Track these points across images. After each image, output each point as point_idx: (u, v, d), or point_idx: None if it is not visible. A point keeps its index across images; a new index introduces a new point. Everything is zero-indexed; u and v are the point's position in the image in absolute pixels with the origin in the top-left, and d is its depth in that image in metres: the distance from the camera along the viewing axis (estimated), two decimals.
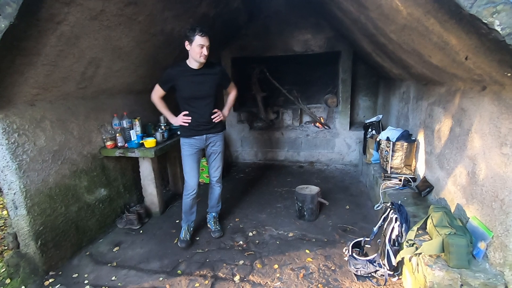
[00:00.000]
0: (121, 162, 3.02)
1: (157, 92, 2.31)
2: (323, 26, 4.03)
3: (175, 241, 2.59)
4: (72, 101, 2.44)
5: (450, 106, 2.05)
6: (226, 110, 2.55)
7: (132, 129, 2.89)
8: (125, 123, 2.88)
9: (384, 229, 1.97)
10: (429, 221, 1.76)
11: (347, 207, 3.07)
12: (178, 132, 2.58)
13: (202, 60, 2.16)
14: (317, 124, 4.69)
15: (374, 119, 3.57)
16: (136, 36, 2.42)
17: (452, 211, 1.92)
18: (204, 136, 2.39)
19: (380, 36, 2.37)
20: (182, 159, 2.42)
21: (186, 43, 2.13)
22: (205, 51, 2.12)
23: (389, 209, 1.99)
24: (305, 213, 2.79)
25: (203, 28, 2.10)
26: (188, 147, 2.37)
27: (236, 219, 2.94)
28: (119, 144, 2.76)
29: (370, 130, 3.52)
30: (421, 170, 2.58)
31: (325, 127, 4.57)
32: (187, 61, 2.23)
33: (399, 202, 2.03)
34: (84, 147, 2.58)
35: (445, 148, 2.10)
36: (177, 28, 2.83)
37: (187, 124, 2.32)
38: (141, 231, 2.81)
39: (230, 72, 4.51)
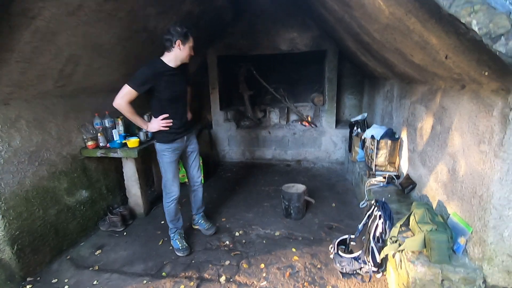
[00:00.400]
0: (104, 163, 2.94)
1: (128, 96, 1.99)
2: (309, 25, 4.04)
3: (160, 243, 2.54)
4: (50, 99, 2.35)
5: (431, 104, 2.08)
6: (189, 108, 2.50)
7: (115, 128, 2.81)
8: (107, 123, 2.80)
9: (368, 226, 2.00)
10: (411, 217, 1.79)
11: (333, 205, 3.10)
12: (155, 141, 2.25)
13: (188, 60, 2.14)
14: (304, 122, 4.70)
15: (359, 117, 3.61)
16: (118, 33, 2.35)
17: (434, 207, 1.96)
18: (185, 137, 2.33)
19: (364, 35, 2.39)
20: (161, 166, 2.26)
21: (179, 43, 2.01)
22: (192, 52, 2.11)
23: (373, 207, 2.02)
24: (291, 212, 2.80)
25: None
26: (170, 153, 2.22)
27: (223, 219, 2.91)
28: (100, 144, 2.68)
29: (355, 128, 3.56)
30: (404, 167, 2.62)
31: (312, 125, 4.60)
32: (165, 60, 2.07)
33: (383, 199, 2.06)
34: (63, 147, 2.49)
35: (427, 146, 2.15)
36: (161, 25, 2.77)
37: (167, 128, 2.18)
38: (124, 233, 2.74)
39: (216, 70, 4.47)
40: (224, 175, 4.15)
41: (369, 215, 2.05)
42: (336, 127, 4.41)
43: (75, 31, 1.97)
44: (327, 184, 3.68)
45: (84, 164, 2.71)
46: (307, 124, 4.66)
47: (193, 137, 2.46)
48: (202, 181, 3.82)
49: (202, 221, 2.68)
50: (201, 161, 3.78)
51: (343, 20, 2.53)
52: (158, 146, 2.23)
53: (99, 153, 2.64)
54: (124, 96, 2.00)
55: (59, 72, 2.18)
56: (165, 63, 2.07)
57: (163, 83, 2.05)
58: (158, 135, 2.21)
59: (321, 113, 4.50)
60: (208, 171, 4.08)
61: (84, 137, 2.66)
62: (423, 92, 2.26)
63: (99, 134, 2.67)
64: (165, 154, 2.22)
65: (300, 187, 2.89)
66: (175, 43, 2.02)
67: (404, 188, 2.40)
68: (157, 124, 2.15)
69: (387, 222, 1.87)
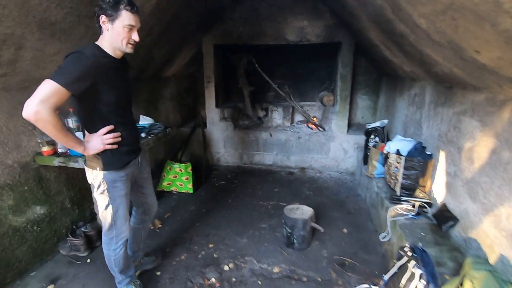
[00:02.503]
0: (68, 171, 2.41)
1: (55, 98, 1.24)
2: (322, 12, 3.45)
3: None
4: None
5: (493, 120, 1.53)
6: None
7: (79, 130, 2.27)
8: (70, 123, 2.25)
9: (400, 283, 1.47)
10: (467, 284, 1.26)
11: (345, 230, 2.57)
12: (93, 169, 1.55)
13: (129, 50, 1.46)
14: (310, 125, 4.15)
15: (378, 124, 3.06)
16: (76, 8, 1.79)
17: (492, 262, 1.43)
18: (138, 158, 1.71)
19: (399, 23, 1.82)
20: (109, 204, 1.59)
21: (103, 18, 1.38)
22: (136, 37, 1.44)
23: (407, 258, 1.49)
24: (294, 241, 2.28)
25: (135, 4, 1.43)
26: (123, 183, 1.59)
27: (210, 245, 2.39)
28: (59, 150, 2.14)
29: (372, 137, 3.01)
30: (439, 194, 2.09)
31: (320, 128, 4.05)
32: (102, 46, 1.43)
33: (421, 246, 1.53)
34: (8, 154, 1.95)
35: (481, 175, 1.60)
36: (138, 3, 2.19)
37: (116, 146, 1.53)
38: (88, 260, 2.23)
39: (213, 61, 3.89)
40: (217, 183, 3.63)
41: (400, 267, 1.52)
42: (347, 132, 3.85)
43: (4, 1, 1.42)
44: (336, 201, 3.15)
45: (39, 174, 2.18)
46: (313, 127, 4.11)
47: (144, 156, 1.84)
48: (191, 191, 3.33)
49: (146, 257, 2.14)
50: (190, 167, 3.26)
51: (370, 3, 1.96)
52: (106, 176, 1.54)
53: (56, 162, 2.10)
54: (47, 100, 1.22)
55: None
56: (104, 51, 1.43)
57: (106, 79, 1.41)
58: (104, 159, 1.52)
59: (331, 115, 3.94)
60: (199, 178, 3.56)
61: (39, 140, 2.12)
62: (476, 102, 1.71)
63: None
64: (117, 185, 1.57)
65: (306, 211, 2.36)
66: (101, 22, 1.41)
67: (441, 224, 1.87)
68: (100, 141, 1.47)
69: (430, 284, 1.35)
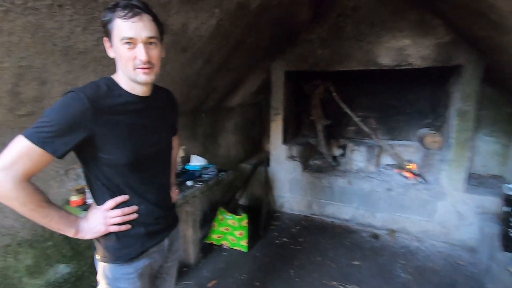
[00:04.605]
0: None
1: (25, 165, 0.82)
2: (433, 26, 2.56)
3: None
4: (8, 132, 1.54)
5: None
6: (174, 179, 1.37)
7: None
8: None
9: None
10: None
11: None
12: (97, 257, 1.06)
13: (141, 78, 0.93)
14: (405, 172, 3.15)
15: None
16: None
17: None
18: (166, 241, 1.15)
19: None
20: None
21: (106, 42, 0.94)
22: (141, 54, 0.89)
23: None
24: None
25: (138, 3, 0.88)
26: (130, 283, 1.04)
27: None
28: (88, 201, 1.78)
29: None
30: None
31: (419, 179, 3.01)
32: (117, 80, 0.97)
33: None
34: None
35: None
36: (194, 24, 1.77)
37: (128, 227, 1.02)
38: None
39: (282, 91, 3.32)
40: (278, 240, 2.91)
41: None
42: (465, 188, 2.73)
43: (16, 23, 1.07)
44: None
45: None
46: (410, 175, 3.10)
47: (177, 236, 1.26)
48: (246, 249, 2.69)
49: None
50: (245, 220, 2.65)
51: None
52: (106, 269, 1.03)
53: (84, 215, 1.73)
54: (12, 166, 0.81)
55: (12, 95, 1.33)
56: (120, 87, 0.96)
57: (113, 130, 0.92)
58: (104, 245, 1.02)
59: (438, 163, 2.88)
60: (257, 229, 2.92)
61: (70, 187, 1.80)
62: None
63: None
64: (121, 286, 1.04)
65: None
66: (106, 46, 0.96)
67: None
68: (103, 220, 0.98)
69: None
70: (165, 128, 1.13)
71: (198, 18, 1.74)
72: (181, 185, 2.10)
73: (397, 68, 2.74)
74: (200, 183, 2.16)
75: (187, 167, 2.43)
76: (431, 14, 2.55)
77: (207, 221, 3.06)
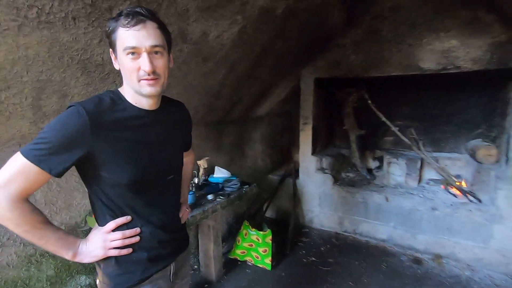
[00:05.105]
0: None
1: (20, 184, 0.77)
2: (487, 23, 2.25)
3: None
4: None
5: None
6: (186, 197, 1.29)
7: None
8: None
9: None
10: None
11: None
12: (98, 280, 1.00)
13: (145, 90, 0.85)
14: (453, 189, 2.78)
15: None
16: None
17: None
18: (172, 265, 1.05)
19: None
20: None
21: (112, 54, 0.87)
22: (145, 65, 0.81)
23: None
24: None
25: (141, 10, 0.80)
26: None
27: None
28: None
29: None
30: None
31: (470, 198, 2.63)
32: (123, 93, 0.91)
33: None
34: (55, 215, 1.66)
35: None
36: (214, 32, 1.70)
37: (127, 252, 0.93)
38: None
39: (312, 99, 3.15)
40: (306, 259, 2.70)
41: None
42: None
43: (33, 40, 1.07)
44: None
45: None
46: (458, 193, 2.73)
47: (186, 260, 1.16)
48: (270, 267, 2.53)
49: None
50: (269, 237, 2.50)
51: None
52: None
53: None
54: (7, 184, 0.76)
55: (33, 107, 1.35)
56: (125, 100, 0.90)
57: (115, 146, 0.85)
58: (104, 270, 0.95)
59: (494, 180, 2.49)
60: (282, 245, 2.75)
61: None
62: None
63: None
64: None
65: None
66: (112, 59, 0.89)
67: None
68: (102, 242, 0.90)
69: None
70: (175, 144, 1.04)
71: (218, 25, 1.66)
72: (202, 199, 2.02)
73: (443, 72, 2.43)
74: (222, 197, 2.06)
75: (210, 179, 2.36)
76: (485, 9, 2.24)
77: (231, 234, 2.97)
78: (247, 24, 1.83)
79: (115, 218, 0.92)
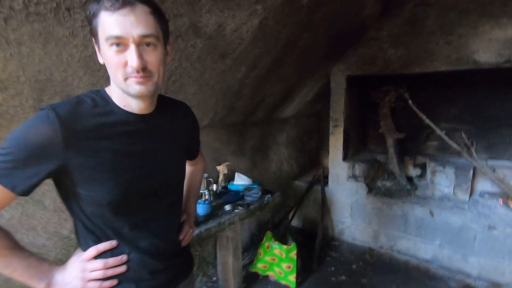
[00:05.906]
0: None
1: None
2: None
3: None
4: None
5: None
6: (192, 214, 1.08)
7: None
8: None
9: None
10: None
11: None
12: None
13: (133, 90, 0.68)
14: None
15: None
16: None
17: None
18: None
19: None
20: None
21: (94, 42, 0.70)
22: (133, 60, 0.64)
23: None
24: None
25: None
26: None
27: None
28: None
29: None
30: None
31: None
32: (110, 93, 0.75)
33: None
34: (65, 223, 1.58)
35: None
36: (231, 25, 1.52)
37: (115, 283, 0.77)
38: None
39: (344, 99, 2.87)
40: (334, 277, 2.43)
41: None
42: None
43: (24, 35, 0.97)
44: None
45: None
46: None
47: (191, 285, 1.00)
48: (294, 285, 2.30)
49: None
50: (294, 251, 2.27)
51: None
52: None
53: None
54: None
55: (35, 110, 1.26)
56: (111, 102, 0.74)
57: (93, 159, 0.69)
58: None
59: None
60: (309, 260, 2.50)
61: None
62: None
63: None
64: None
65: None
66: (96, 49, 0.72)
67: None
68: (79, 273, 0.74)
69: None
70: (172, 154, 0.87)
71: (236, 17, 1.48)
72: (219, 209, 1.85)
73: (506, 66, 2.04)
74: (241, 207, 1.87)
75: (230, 187, 2.19)
76: None
77: (254, 244, 2.77)
78: (269, 16, 1.63)
79: (98, 243, 0.77)
